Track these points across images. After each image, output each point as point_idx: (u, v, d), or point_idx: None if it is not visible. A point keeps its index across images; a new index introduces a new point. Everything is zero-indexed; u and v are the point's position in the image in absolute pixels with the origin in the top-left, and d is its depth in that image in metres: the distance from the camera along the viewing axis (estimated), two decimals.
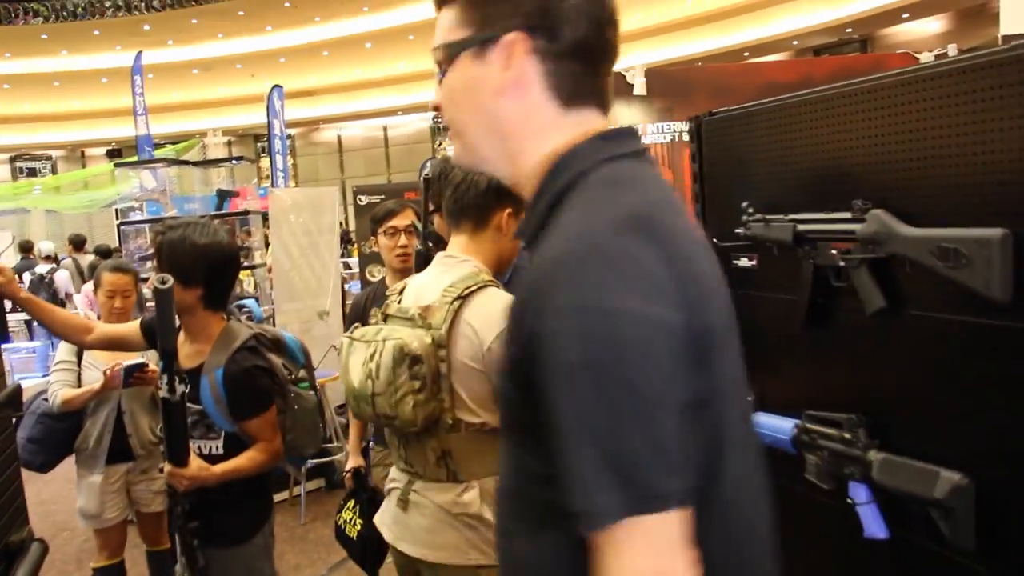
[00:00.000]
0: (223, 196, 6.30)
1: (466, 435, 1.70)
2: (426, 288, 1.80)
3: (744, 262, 1.76)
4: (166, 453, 1.97)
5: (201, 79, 24.22)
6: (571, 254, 0.76)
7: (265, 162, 18.87)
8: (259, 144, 24.91)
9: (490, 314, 1.66)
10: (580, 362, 0.72)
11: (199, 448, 2.12)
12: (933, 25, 17.81)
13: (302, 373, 2.34)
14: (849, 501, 1.42)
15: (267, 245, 6.28)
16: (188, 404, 1.99)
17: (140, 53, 14.77)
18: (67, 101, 24.48)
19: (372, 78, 24.34)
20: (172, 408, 1.89)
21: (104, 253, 9.48)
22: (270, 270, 5.81)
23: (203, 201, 6.78)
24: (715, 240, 1.77)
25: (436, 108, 0.95)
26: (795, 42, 19.53)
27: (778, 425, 1.62)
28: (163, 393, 1.86)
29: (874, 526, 1.39)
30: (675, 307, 0.73)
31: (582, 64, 0.87)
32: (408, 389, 1.65)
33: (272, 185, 9.45)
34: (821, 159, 1.54)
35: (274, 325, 5.02)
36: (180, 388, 1.87)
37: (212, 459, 2.08)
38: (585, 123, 0.89)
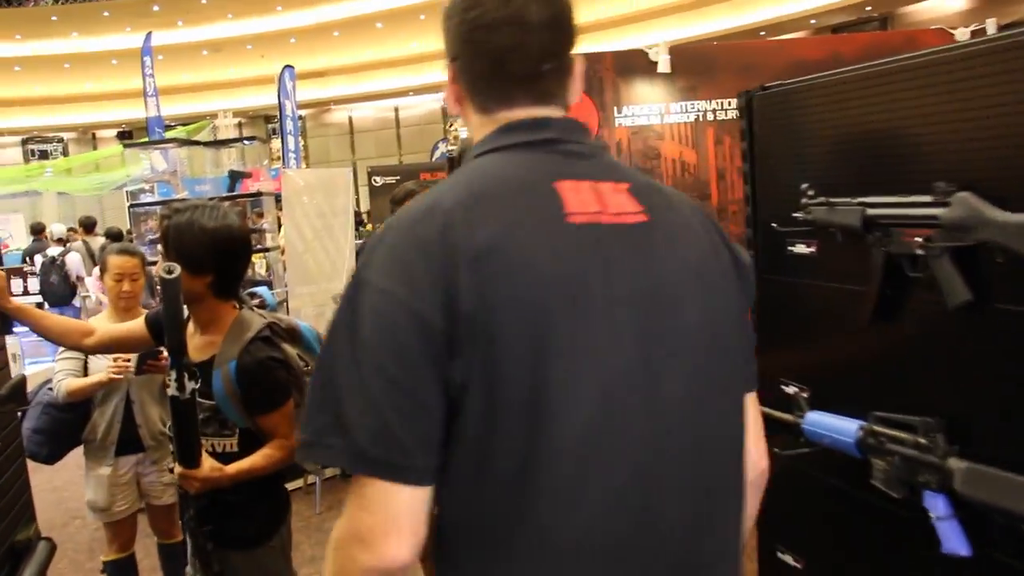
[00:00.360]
0: (235, 177, 6.16)
1: None
2: None
3: (801, 248, 1.61)
4: (176, 454, 1.85)
5: (211, 60, 24.08)
6: (377, 232, 0.92)
7: (276, 143, 18.73)
8: (270, 125, 24.75)
9: None
10: (337, 319, 0.88)
11: (212, 446, 1.98)
12: (956, 2, 17.42)
13: None
14: (931, 515, 1.28)
15: (280, 227, 6.15)
16: (199, 400, 1.87)
17: (150, 34, 14.67)
18: (78, 83, 24.41)
19: (383, 58, 24.12)
20: (182, 407, 1.77)
21: (115, 236, 9.33)
22: (283, 252, 5.69)
23: (214, 182, 6.66)
24: (773, 225, 1.63)
25: None
26: (813, 21, 19.20)
27: (840, 426, 1.48)
28: (172, 391, 1.73)
29: (954, 541, 1.26)
30: (421, 295, 0.83)
31: (489, 74, 1.00)
32: None
33: (284, 166, 9.32)
34: (894, 137, 1.39)
35: (288, 309, 4.91)
36: (190, 385, 1.74)
37: (226, 457, 1.95)
38: (501, 121, 1.01)
